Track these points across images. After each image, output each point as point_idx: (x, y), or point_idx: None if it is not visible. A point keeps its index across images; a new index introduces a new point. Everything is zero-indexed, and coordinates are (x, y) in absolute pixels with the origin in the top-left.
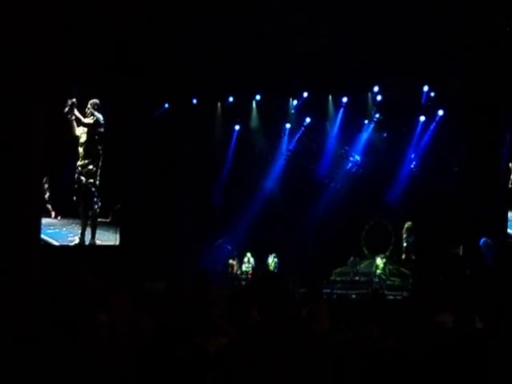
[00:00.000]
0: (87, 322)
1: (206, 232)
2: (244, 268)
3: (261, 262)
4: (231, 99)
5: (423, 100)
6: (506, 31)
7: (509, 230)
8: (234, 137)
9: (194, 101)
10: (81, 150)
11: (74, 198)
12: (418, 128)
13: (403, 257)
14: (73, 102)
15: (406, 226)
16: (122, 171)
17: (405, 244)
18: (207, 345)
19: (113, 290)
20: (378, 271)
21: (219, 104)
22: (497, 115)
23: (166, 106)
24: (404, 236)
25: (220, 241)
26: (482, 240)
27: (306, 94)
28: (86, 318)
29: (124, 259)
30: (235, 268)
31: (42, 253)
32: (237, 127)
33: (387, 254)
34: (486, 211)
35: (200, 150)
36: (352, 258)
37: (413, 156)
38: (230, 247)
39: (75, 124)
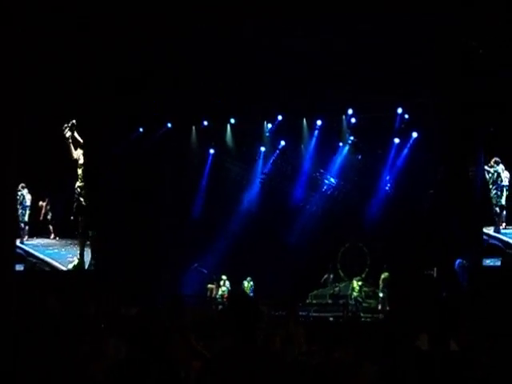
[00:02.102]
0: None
1: (181, 256)
2: (220, 292)
3: (236, 285)
4: (206, 123)
5: (397, 122)
6: (479, 53)
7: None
8: (209, 160)
9: (169, 125)
10: (79, 171)
11: (72, 217)
12: (393, 150)
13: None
14: (73, 124)
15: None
16: (98, 196)
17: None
18: (181, 369)
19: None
20: (354, 293)
21: (194, 128)
22: (470, 136)
23: (141, 130)
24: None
25: (196, 265)
26: (458, 262)
27: (280, 118)
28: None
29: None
30: (214, 292)
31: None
32: (212, 151)
33: (363, 276)
34: (461, 233)
35: (175, 175)
36: (326, 276)
37: (387, 178)
38: (205, 271)
39: (73, 146)
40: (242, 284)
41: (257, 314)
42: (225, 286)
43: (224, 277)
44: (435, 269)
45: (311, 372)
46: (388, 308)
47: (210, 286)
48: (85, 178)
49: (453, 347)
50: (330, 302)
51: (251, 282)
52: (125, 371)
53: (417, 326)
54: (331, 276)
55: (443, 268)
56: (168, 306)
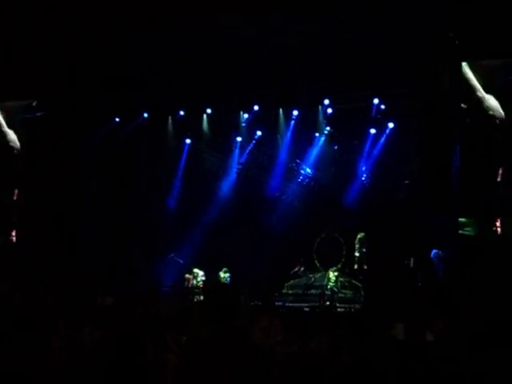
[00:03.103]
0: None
1: (157, 246)
2: (195, 282)
3: (212, 275)
4: (182, 113)
5: (373, 113)
6: (455, 44)
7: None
8: (185, 150)
9: (145, 115)
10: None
11: None
12: (369, 140)
13: (355, 267)
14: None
15: (358, 236)
16: (73, 186)
17: (357, 254)
18: (155, 358)
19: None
20: (330, 284)
21: (170, 118)
22: (446, 126)
23: (117, 120)
24: (356, 246)
25: (172, 255)
26: (434, 252)
27: (256, 108)
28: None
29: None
30: (191, 282)
31: None
32: (188, 141)
33: (339, 266)
34: (437, 223)
35: (151, 164)
36: (297, 269)
37: (364, 168)
38: (181, 261)
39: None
40: (217, 275)
41: (236, 304)
42: (200, 277)
43: (196, 269)
44: (412, 259)
45: (288, 362)
46: (363, 297)
47: (187, 275)
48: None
49: (428, 337)
50: (305, 292)
51: (227, 273)
52: (99, 359)
53: (393, 316)
54: (302, 269)
55: (419, 258)
56: (144, 297)
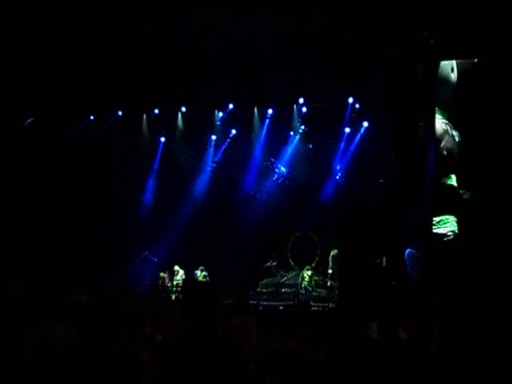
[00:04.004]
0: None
1: (132, 244)
2: (175, 281)
3: (188, 274)
4: (156, 111)
5: (348, 112)
6: (430, 43)
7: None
8: (160, 148)
9: (120, 113)
10: None
11: None
12: (344, 139)
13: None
14: None
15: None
16: (47, 183)
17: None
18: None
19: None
20: (304, 282)
21: (144, 116)
22: (420, 125)
23: (92, 118)
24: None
25: (146, 253)
26: (407, 251)
27: (231, 106)
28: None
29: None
30: (166, 280)
31: None
32: (162, 139)
33: (313, 265)
34: (411, 222)
35: (126, 163)
36: (269, 263)
37: (338, 167)
38: (155, 259)
39: None
40: (194, 273)
41: (216, 303)
42: (179, 276)
43: (177, 266)
44: (384, 258)
45: (269, 361)
46: (337, 296)
47: (161, 274)
48: None
49: (402, 336)
50: (280, 290)
51: (204, 272)
52: (74, 359)
53: (366, 315)
54: (274, 263)
55: (393, 257)
56: (110, 294)
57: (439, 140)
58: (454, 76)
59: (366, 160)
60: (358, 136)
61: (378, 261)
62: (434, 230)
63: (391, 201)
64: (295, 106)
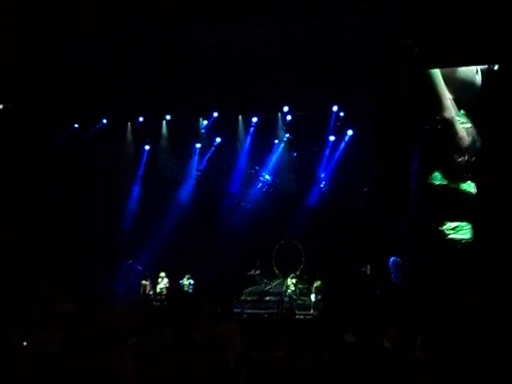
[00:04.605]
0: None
1: (116, 253)
2: (158, 289)
3: (175, 282)
4: (141, 119)
5: (332, 120)
6: (414, 52)
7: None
8: (144, 157)
9: (104, 121)
10: None
11: None
12: (328, 148)
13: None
14: None
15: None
16: (32, 191)
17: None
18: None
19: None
20: (289, 291)
21: (129, 124)
22: (405, 133)
23: (76, 125)
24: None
25: (130, 261)
26: (392, 259)
27: (216, 114)
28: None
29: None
30: (148, 288)
31: None
32: (147, 147)
33: (297, 273)
34: (396, 230)
35: (110, 171)
36: (252, 272)
37: (323, 175)
38: (140, 267)
39: None
40: (180, 281)
41: (198, 312)
42: (163, 283)
43: (162, 274)
44: (368, 266)
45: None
46: (322, 305)
47: (143, 282)
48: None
49: (385, 344)
50: (264, 299)
51: (190, 280)
52: (60, 368)
53: (350, 323)
54: (257, 272)
55: (377, 265)
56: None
57: (467, 147)
58: (478, 79)
59: (350, 168)
60: (343, 144)
61: (363, 269)
62: (449, 236)
63: (376, 209)
64: (280, 114)
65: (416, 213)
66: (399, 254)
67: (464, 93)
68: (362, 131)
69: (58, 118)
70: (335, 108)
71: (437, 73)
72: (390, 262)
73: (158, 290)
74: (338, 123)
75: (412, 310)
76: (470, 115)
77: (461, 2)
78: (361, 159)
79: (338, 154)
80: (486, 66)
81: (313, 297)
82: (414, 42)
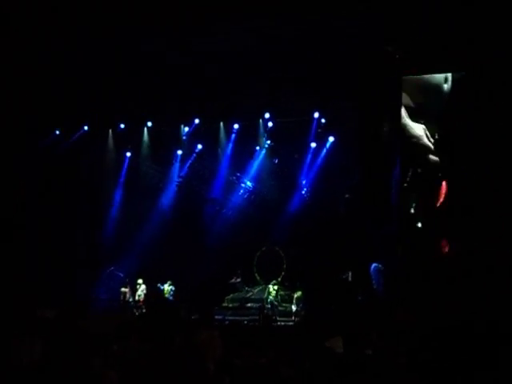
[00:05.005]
0: None
1: (98, 259)
2: (136, 296)
3: (155, 289)
4: (122, 126)
5: (314, 126)
6: (396, 58)
7: None
8: (126, 163)
9: (86, 128)
10: None
11: None
12: (309, 154)
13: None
14: None
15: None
16: (13, 197)
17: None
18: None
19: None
20: (270, 297)
21: (110, 131)
22: (386, 140)
23: (57, 132)
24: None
25: (112, 268)
26: (373, 266)
27: (197, 121)
28: None
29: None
30: (127, 296)
31: None
32: (128, 154)
33: (279, 279)
34: (378, 237)
35: (92, 177)
36: (233, 280)
37: (304, 182)
38: (122, 274)
39: None
40: (161, 288)
41: (175, 319)
42: (141, 290)
43: (140, 280)
44: (350, 273)
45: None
46: (303, 313)
47: (123, 289)
48: None
49: (366, 350)
50: (246, 305)
51: (171, 286)
52: (41, 375)
53: (332, 329)
54: (238, 280)
55: (359, 272)
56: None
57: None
58: (446, 86)
59: (331, 175)
60: (324, 151)
61: (344, 276)
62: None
63: (357, 215)
64: (261, 120)
65: (398, 219)
66: (381, 261)
67: (429, 99)
68: (343, 138)
69: (40, 124)
70: (316, 115)
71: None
72: (372, 269)
73: (136, 297)
74: (320, 130)
75: (393, 317)
76: (434, 122)
77: (438, 12)
78: (342, 166)
79: (319, 161)
80: (456, 74)
81: (293, 307)
82: (395, 48)
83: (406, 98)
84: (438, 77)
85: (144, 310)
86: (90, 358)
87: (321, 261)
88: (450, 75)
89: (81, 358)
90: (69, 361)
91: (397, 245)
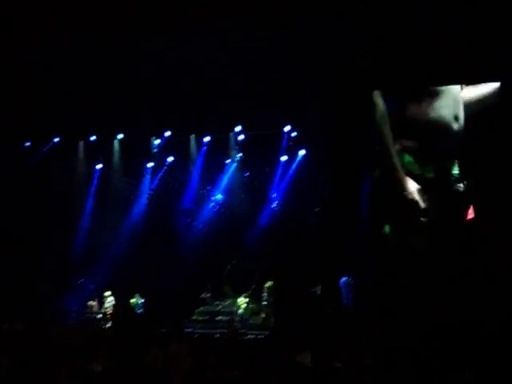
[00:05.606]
0: None
1: (68, 271)
2: (102, 308)
3: (124, 300)
4: (93, 138)
5: (285, 140)
6: (366, 72)
7: None
8: (97, 176)
9: (56, 139)
10: None
11: None
12: (280, 167)
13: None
14: None
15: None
16: None
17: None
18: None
19: None
20: (240, 310)
21: (81, 143)
22: (357, 153)
23: (28, 143)
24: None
25: (82, 280)
26: (343, 279)
27: (168, 133)
28: None
29: None
30: (94, 308)
31: None
32: (99, 166)
33: (249, 293)
34: (348, 250)
35: (62, 189)
36: (204, 294)
37: (275, 195)
38: (92, 286)
39: None
40: (129, 300)
41: (144, 332)
42: (107, 303)
43: (107, 293)
44: (319, 286)
45: None
46: (272, 323)
47: (90, 302)
48: None
49: (336, 364)
50: (216, 318)
51: (140, 299)
52: None
53: (301, 343)
54: (208, 295)
55: (328, 286)
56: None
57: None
58: (457, 126)
59: (302, 188)
60: (295, 164)
61: (313, 289)
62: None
63: (327, 229)
64: (232, 133)
65: (368, 232)
66: (350, 274)
67: (434, 141)
68: (314, 151)
69: (10, 135)
70: (288, 128)
71: (383, 119)
72: (341, 282)
73: (103, 309)
74: (291, 143)
75: (362, 331)
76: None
77: (408, 26)
78: (313, 179)
79: (290, 174)
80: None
81: (265, 297)
82: (367, 62)
83: (411, 142)
84: (448, 118)
85: (112, 323)
86: (58, 369)
87: (291, 274)
88: (461, 111)
89: (48, 370)
90: (36, 372)
91: (366, 258)
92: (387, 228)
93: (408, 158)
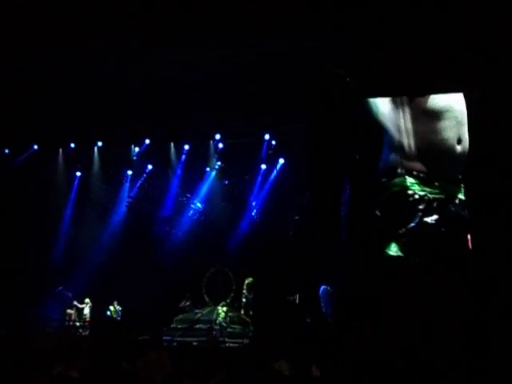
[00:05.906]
0: None
1: (47, 279)
2: (82, 316)
3: (102, 308)
4: (72, 145)
5: (264, 148)
6: (347, 81)
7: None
8: (76, 183)
9: (35, 147)
10: None
11: None
12: (260, 176)
13: (242, 312)
14: None
15: (246, 281)
16: None
17: (244, 300)
18: None
19: None
20: (219, 319)
21: (61, 150)
22: (336, 163)
23: (6, 151)
24: (244, 293)
25: (60, 288)
26: (322, 288)
27: (147, 141)
28: None
29: None
30: (73, 316)
31: None
32: (78, 174)
33: (228, 301)
34: (327, 258)
35: (42, 197)
36: (183, 303)
37: (254, 203)
38: (70, 294)
39: None
40: (108, 308)
41: (122, 339)
42: (87, 310)
43: (87, 300)
44: (297, 295)
45: None
46: (253, 332)
47: (68, 310)
48: None
49: (314, 372)
50: (195, 326)
51: (118, 306)
52: None
53: (279, 352)
54: (187, 303)
55: (307, 294)
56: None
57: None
58: (460, 148)
59: (281, 197)
60: (274, 172)
61: (291, 298)
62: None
63: (306, 237)
64: (212, 141)
65: (346, 241)
66: (329, 283)
67: (440, 164)
68: (293, 160)
69: None
70: (267, 136)
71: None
72: (321, 291)
73: (81, 317)
74: (270, 151)
75: (340, 339)
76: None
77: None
78: (292, 187)
79: (269, 183)
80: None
81: (244, 295)
82: (347, 71)
83: (417, 165)
84: (451, 141)
85: (90, 331)
86: (36, 377)
87: (269, 282)
88: (464, 135)
89: (27, 377)
90: (15, 380)
91: (346, 267)
92: (368, 238)
93: (411, 181)
